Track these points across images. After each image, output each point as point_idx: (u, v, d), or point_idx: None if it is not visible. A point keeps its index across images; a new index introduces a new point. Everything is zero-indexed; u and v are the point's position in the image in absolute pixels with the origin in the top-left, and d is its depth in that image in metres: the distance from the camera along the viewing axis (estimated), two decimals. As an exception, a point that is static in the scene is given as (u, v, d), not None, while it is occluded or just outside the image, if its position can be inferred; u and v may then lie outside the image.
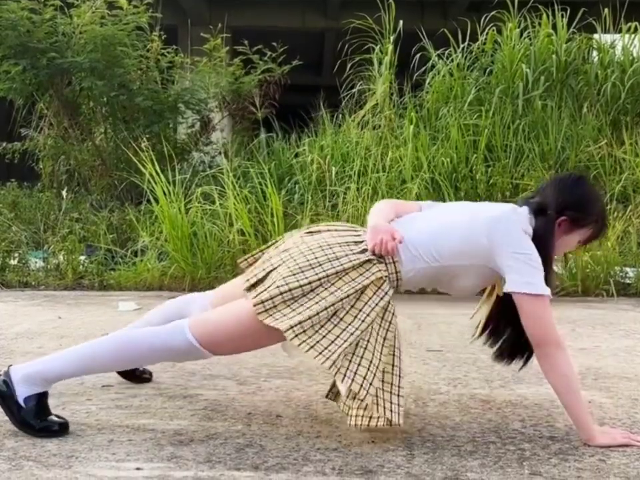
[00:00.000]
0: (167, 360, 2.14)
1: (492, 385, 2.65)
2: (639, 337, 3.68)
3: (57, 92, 7.45)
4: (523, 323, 1.97)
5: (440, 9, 13.16)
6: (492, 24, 7.33)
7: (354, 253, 1.98)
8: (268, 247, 2.20)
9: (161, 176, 5.63)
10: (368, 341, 1.90)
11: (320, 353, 1.84)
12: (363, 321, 1.89)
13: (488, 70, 7.30)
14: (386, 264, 1.99)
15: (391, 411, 1.90)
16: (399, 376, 1.95)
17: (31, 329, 3.84)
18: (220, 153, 7.67)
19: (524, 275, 1.94)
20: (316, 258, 1.96)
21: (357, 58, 7.45)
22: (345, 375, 1.86)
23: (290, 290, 1.90)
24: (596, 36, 7.49)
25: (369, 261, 1.97)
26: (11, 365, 2.05)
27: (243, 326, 1.97)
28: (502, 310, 2.12)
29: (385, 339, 1.93)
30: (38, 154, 7.98)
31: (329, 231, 2.11)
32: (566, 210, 2.06)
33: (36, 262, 6.08)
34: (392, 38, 7.25)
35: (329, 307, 1.89)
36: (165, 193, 5.62)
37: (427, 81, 7.31)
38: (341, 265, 1.94)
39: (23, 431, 1.99)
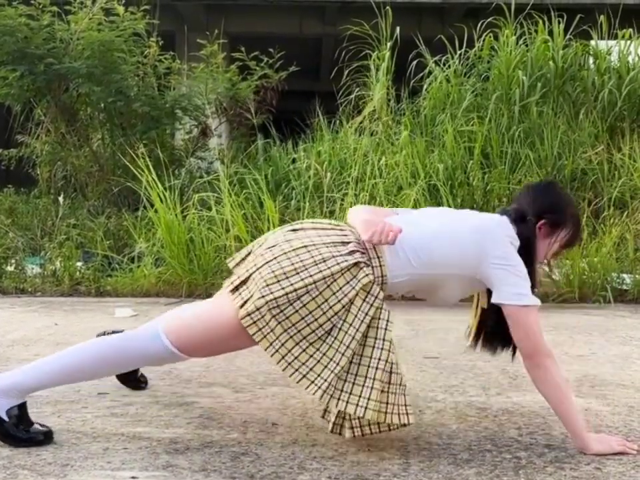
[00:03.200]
0: (146, 365, 2.14)
1: (489, 392, 2.64)
2: (636, 344, 3.68)
3: (55, 98, 7.45)
4: (513, 335, 1.98)
5: (437, 16, 13.18)
6: (489, 30, 7.34)
7: (341, 255, 1.93)
8: (253, 247, 2.13)
9: (157, 182, 5.63)
10: (362, 355, 1.88)
11: (312, 382, 1.84)
12: (353, 338, 1.86)
13: (485, 76, 7.31)
14: (372, 267, 1.95)
15: (399, 414, 1.88)
16: (376, 368, 1.87)
17: (27, 335, 3.83)
18: (217, 159, 7.68)
19: (513, 286, 1.94)
20: (301, 261, 1.91)
21: (355, 64, 7.46)
22: (339, 399, 1.85)
23: (275, 298, 1.86)
24: (592, 43, 7.50)
25: (356, 264, 1.92)
26: None
27: (222, 330, 1.95)
28: (490, 316, 2.12)
29: (383, 340, 1.89)
30: (35, 160, 7.98)
31: (314, 229, 2.05)
32: (543, 213, 2.10)
33: (33, 268, 6.07)
34: (389, 44, 7.26)
35: (318, 328, 1.87)
36: (161, 199, 5.62)
37: (424, 88, 7.32)
38: (328, 268, 1.89)
39: (8, 444, 1.97)
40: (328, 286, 1.89)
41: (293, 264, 1.90)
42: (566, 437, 2.07)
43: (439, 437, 2.11)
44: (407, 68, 7.48)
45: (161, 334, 1.98)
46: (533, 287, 1.99)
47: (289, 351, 1.86)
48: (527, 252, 2.03)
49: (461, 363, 3.17)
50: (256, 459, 1.91)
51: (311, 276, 1.88)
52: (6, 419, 1.96)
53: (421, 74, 7.45)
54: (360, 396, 1.84)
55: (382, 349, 1.88)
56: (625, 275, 5.41)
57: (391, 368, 1.89)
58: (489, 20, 7.38)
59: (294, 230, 2.05)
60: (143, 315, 4.53)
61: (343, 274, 1.90)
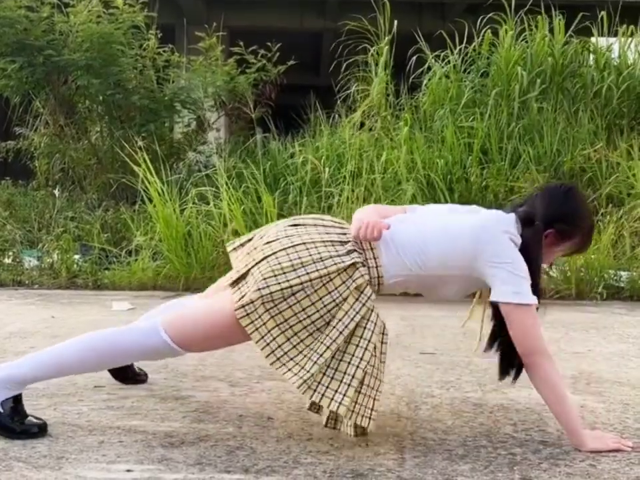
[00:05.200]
0: (141, 359, 2.14)
1: (484, 388, 2.65)
2: (632, 341, 3.69)
3: (54, 90, 7.44)
4: (511, 333, 1.96)
5: (438, 11, 13.16)
6: (488, 26, 7.32)
7: (339, 255, 1.93)
8: (254, 236, 2.13)
9: (155, 176, 5.62)
10: (345, 352, 1.88)
11: (295, 374, 1.85)
12: (340, 333, 1.86)
13: (484, 72, 7.30)
14: (369, 267, 1.96)
15: (362, 415, 1.87)
16: (357, 366, 1.87)
17: (24, 328, 3.83)
18: (216, 153, 7.67)
19: (510, 285, 1.92)
20: (299, 257, 1.91)
21: (353, 59, 7.45)
22: (315, 390, 1.85)
23: (270, 293, 1.86)
24: (593, 39, 7.50)
25: (353, 264, 1.93)
26: None
27: (221, 325, 1.96)
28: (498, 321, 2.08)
29: (368, 341, 1.89)
30: (33, 152, 7.96)
31: (315, 225, 2.05)
32: (555, 222, 2.04)
33: (30, 261, 6.07)
34: (387, 39, 7.25)
35: (310, 325, 1.88)
36: (159, 193, 5.61)
37: (424, 83, 7.31)
38: (325, 267, 1.89)
39: (2, 435, 1.97)
40: (324, 284, 1.89)
41: (290, 260, 1.90)
42: (561, 433, 2.07)
43: (434, 432, 2.11)
44: (406, 63, 7.46)
45: (159, 328, 1.99)
46: (535, 292, 1.96)
47: (279, 346, 1.87)
48: (528, 256, 1.98)
49: (457, 359, 3.17)
50: (251, 452, 1.91)
51: (307, 273, 1.88)
52: (1, 410, 1.96)
53: (421, 69, 7.44)
54: (336, 391, 1.85)
55: (366, 349, 1.88)
56: (621, 273, 5.42)
57: (372, 371, 1.90)
58: (489, 15, 7.37)
59: (295, 225, 2.05)
60: (140, 309, 4.53)
61: (339, 274, 1.91)
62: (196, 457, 1.87)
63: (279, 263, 1.90)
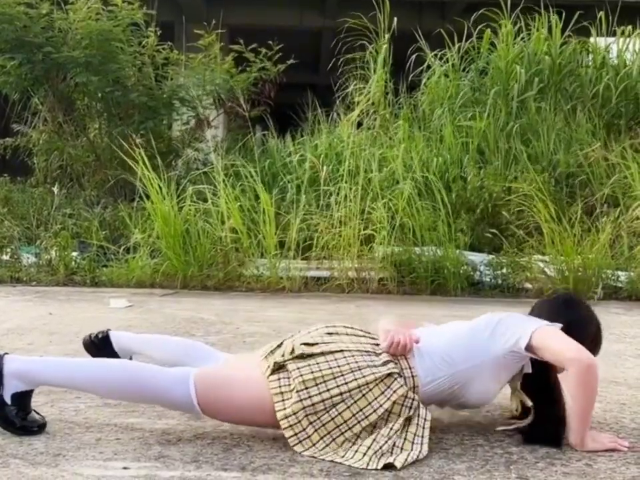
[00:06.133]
0: (159, 404, 2.08)
1: (481, 387, 2.64)
2: (630, 341, 3.69)
3: (52, 87, 7.44)
4: (554, 354, 1.93)
5: (438, 11, 13.17)
6: (485, 23, 7.32)
7: (376, 366, 1.95)
8: (283, 342, 2.09)
9: (152, 173, 5.61)
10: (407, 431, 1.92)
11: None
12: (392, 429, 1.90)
13: (482, 71, 7.30)
14: (405, 377, 1.96)
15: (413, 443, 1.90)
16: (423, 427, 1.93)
17: (21, 324, 3.83)
18: (214, 151, 7.67)
19: (523, 328, 1.97)
20: (338, 366, 1.92)
21: (352, 56, 7.44)
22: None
23: (313, 404, 1.87)
24: (591, 40, 7.50)
25: (390, 374, 1.94)
26: (6, 353, 2.01)
27: (253, 406, 1.94)
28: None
29: (425, 420, 1.94)
30: (32, 149, 7.96)
31: (347, 334, 2.07)
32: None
33: (28, 257, 6.06)
34: (387, 36, 7.25)
35: (352, 436, 1.88)
36: (157, 191, 5.61)
37: (423, 82, 7.31)
38: (364, 376, 1.91)
39: (3, 428, 1.97)
40: (363, 395, 1.90)
41: (330, 367, 1.92)
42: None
43: (431, 431, 2.11)
44: (405, 62, 7.46)
45: (190, 379, 1.95)
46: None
47: (322, 450, 1.87)
48: (538, 366, 2.00)
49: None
50: (248, 450, 1.91)
51: (346, 383, 1.90)
52: (8, 402, 1.95)
53: (420, 68, 7.44)
54: (411, 450, 1.87)
55: (424, 427, 1.93)
56: (619, 272, 5.42)
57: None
58: (483, 13, 7.35)
59: (329, 334, 2.06)
60: (137, 306, 4.53)
61: (377, 384, 1.92)
62: (193, 454, 1.87)
63: (320, 370, 1.91)
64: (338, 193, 5.92)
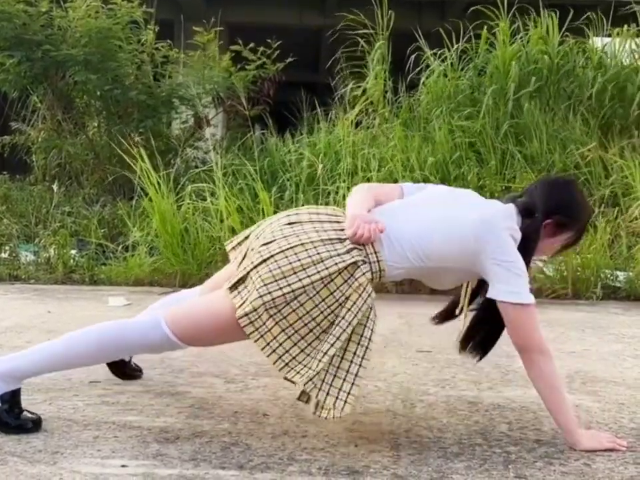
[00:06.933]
0: (143, 352, 2.14)
1: (480, 387, 2.65)
2: (628, 341, 3.69)
3: (51, 85, 7.42)
4: (508, 331, 1.98)
5: (438, 10, 13.16)
6: (480, 21, 7.30)
7: (339, 254, 1.91)
8: (250, 234, 2.12)
9: (152, 171, 5.61)
10: (346, 350, 1.89)
11: (300, 374, 1.85)
12: (344, 330, 1.86)
13: (481, 70, 7.29)
14: (370, 263, 1.94)
15: (337, 398, 1.84)
16: (360, 365, 1.88)
17: (20, 322, 3.82)
18: (213, 149, 7.66)
19: (509, 284, 1.92)
20: (299, 260, 1.88)
21: (350, 55, 7.43)
22: (319, 389, 1.85)
23: (273, 299, 1.85)
24: (591, 41, 7.49)
25: (354, 263, 1.91)
26: None
27: (222, 327, 1.95)
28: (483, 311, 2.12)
29: (369, 340, 1.90)
30: (30, 147, 7.95)
31: (311, 221, 2.01)
32: (553, 213, 2.06)
33: (27, 255, 6.06)
34: (386, 34, 7.24)
35: (316, 327, 1.87)
36: (156, 189, 5.60)
37: (422, 81, 7.31)
38: (326, 268, 1.88)
39: None
40: (325, 285, 1.88)
41: (290, 263, 1.88)
42: (556, 432, 2.07)
43: (429, 430, 2.11)
44: (405, 61, 7.45)
45: (161, 322, 1.99)
46: None
47: (287, 351, 1.87)
48: (526, 248, 1.99)
49: (454, 357, 3.16)
50: (246, 449, 1.91)
51: (308, 276, 1.87)
52: None
53: (419, 67, 7.43)
54: (340, 389, 1.85)
55: (367, 347, 1.89)
56: (618, 272, 5.42)
57: (351, 356, 1.90)
58: (482, 12, 7.33)
59: (290, 223, 2.01)
60: (136, 304, 4.53)
61: (340, 273, 1.89)
62: (191, 452, 1.87)
63: (279, 267, 1.88)
64: (337, 192, 5.92)
